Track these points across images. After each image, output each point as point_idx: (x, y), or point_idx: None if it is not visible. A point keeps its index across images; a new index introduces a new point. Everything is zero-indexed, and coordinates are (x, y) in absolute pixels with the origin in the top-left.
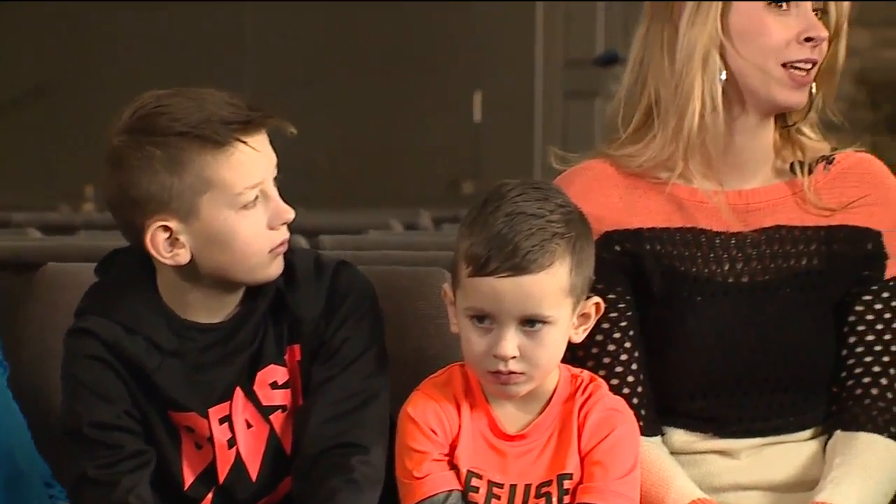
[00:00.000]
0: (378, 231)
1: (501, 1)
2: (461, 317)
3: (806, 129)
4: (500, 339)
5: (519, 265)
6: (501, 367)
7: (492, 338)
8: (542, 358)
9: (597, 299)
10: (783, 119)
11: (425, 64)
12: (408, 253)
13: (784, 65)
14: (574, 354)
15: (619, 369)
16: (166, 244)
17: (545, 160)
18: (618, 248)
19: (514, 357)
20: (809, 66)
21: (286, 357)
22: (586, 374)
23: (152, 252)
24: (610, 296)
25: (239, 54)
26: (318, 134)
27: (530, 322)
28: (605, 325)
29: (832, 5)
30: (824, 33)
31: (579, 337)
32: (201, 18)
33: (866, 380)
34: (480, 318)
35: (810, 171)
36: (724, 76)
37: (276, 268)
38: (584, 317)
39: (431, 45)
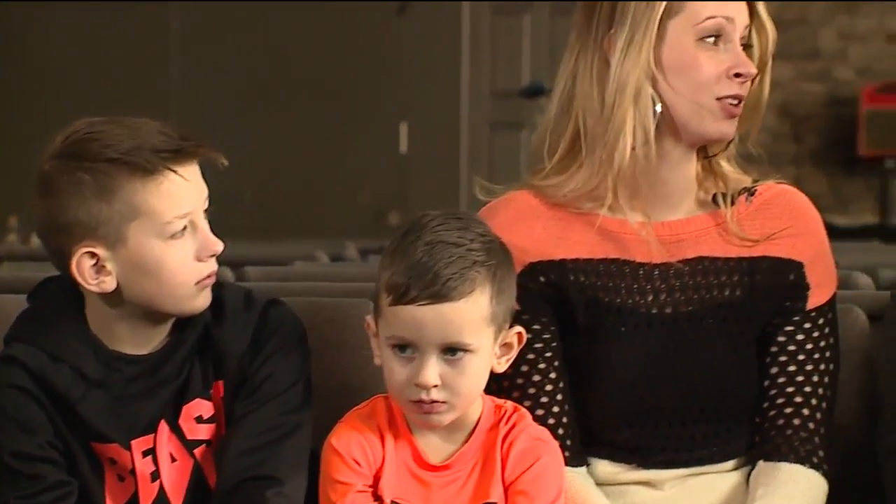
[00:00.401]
0: (304, 262)
1: (427, 32)
2: (383, 346)
3: (724, 162)
4: (422, 367)
5: (439, 293)
6: (423, 396)
7: (413, 367)
8: (463, 386)
9: (519, 329)
10: (704, 150)
11: (351, 95)
12: (333, 284)
13: (716, 99)
14: (499, 385)
15: (543, 400)
16: (92, 271)
17: (471, 191)
18: (542, 279)
19: (435, 386)
20: (736, 101)
21: (212, 391)
22: (510, 404)
23: (78, 278)
24: (535, 326)
25: (164, 85)
26: (243, 165)
27: (451, 350)
28: (530, 356)
29: (756, 41)
30: (753, 70)
31: (502, 367)
32: (127, 49)
33: (788, 410)
34: (402, 347)
35: (732, 203)
36: (659, 109)
37: (202, 300)
38: (507, 346)
39: (358, 77)
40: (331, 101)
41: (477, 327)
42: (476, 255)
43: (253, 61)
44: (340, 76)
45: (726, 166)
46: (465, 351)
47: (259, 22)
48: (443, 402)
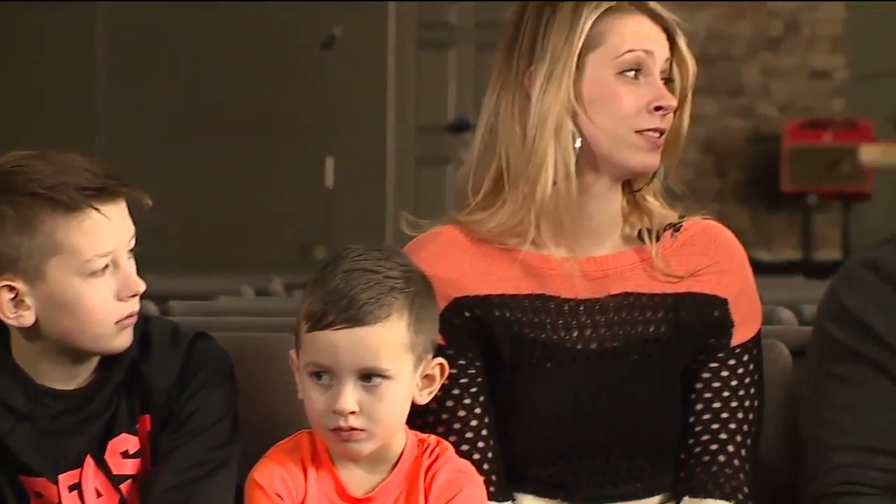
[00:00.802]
0: (229, 297)
1: (353, 66)
2: (302, 376)
3: (649, 197)
4: (339, 394)
5: (355, 317)
6: (342, 424)
7: (331, 394)
8: (382, 414)
9: (441, 360)
10: (629, 186)
11: (277, 129)
12: (258, 319)
13: (636, 132)
14: (424, 420)
15: (468, 434)
16: (11, 304)
17: (397, 226)
18: (468, 314)
19: (353, 412)
20: (657, 135)
21: (138, 426)
22: (433, 437)
23: None
24: (460, 361)
25: (90, 118)
26: (169, 199)
27: (368, 376)
28: (456, 391)
29: (677, 74)
30: (674, 103)
31: (424, 399)
32: (53, 81)
33: (714, 447)
34: (319, 374)
35: (658, 238)
36: (578, 143)
37: (123, 340)
38: (429, 378)
39: (283, 110)
40: (256, 134)
41: (394, 353)
42: (394, 281)
43: (179, 94)
44: (266, 110)
45: (652, 201)
46: (383, 377)
47: (185, 55)
48: (361, 430)
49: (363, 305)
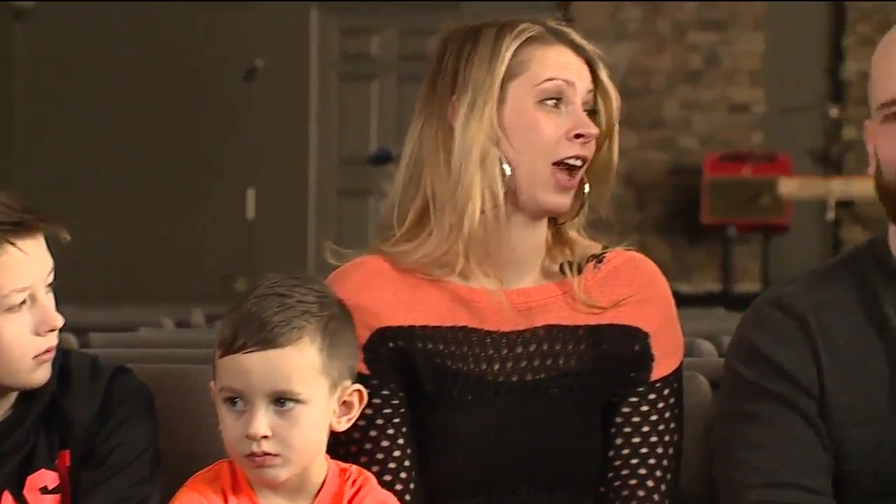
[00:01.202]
0: (149, 328)
1: (275, 98)
2: (217, 403)
3: (573, 230)
4: (252, 418)
5: (265, 339)
6: (255, 448)
7: (245, 419)
8: (296, 439)
9: (359, 387)
10: (554, 218)
11: (199, 160)
12: (178, 351)
13: (555, 163)
14: (346, 449)
15: (391, 465)
16: None
17: (319, 257)
18: (391, 344)
19: (265, 437)
20: (580, 162)
21: (57, 462)
22: (355, 468)
23: None
24: (383, 392)
25: (7, 152)
26: (89, 230)
27: (281, 401)
28: (379, 421)
29: (603, 106)
30: (594, 130)
31: (343, 426)
32: None
33: (633, 482)
34: (233, 399)
35: (580, 271)
36: (508, 171)
37: (41, 375)
38: (347, 405)
39: (205, 141)
40: (178, 165)
41: (307, 377)
42: (307, 305)
43: (99, 125)
44: (187, 141)
45: (575, 234)
46: (296, 401)
47: (106, 86)
48: (275, 455)
49: (274, 328)
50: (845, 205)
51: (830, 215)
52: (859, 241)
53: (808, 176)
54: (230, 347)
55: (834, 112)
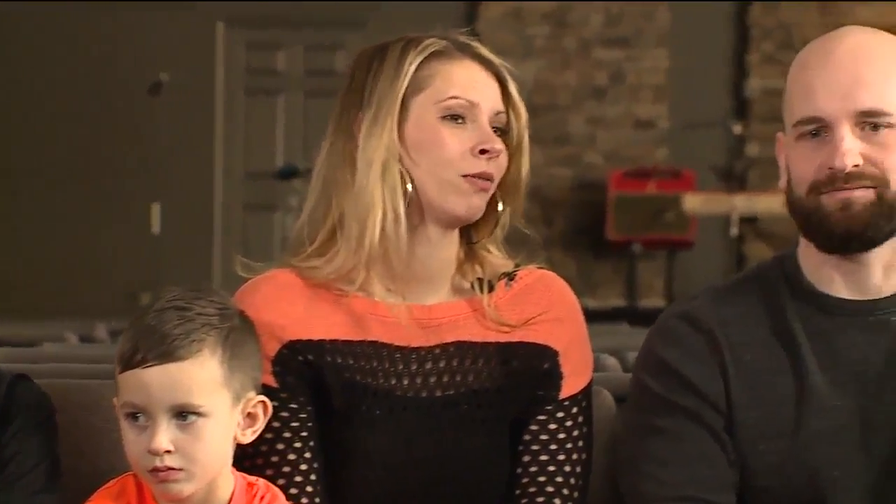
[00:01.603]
0: (52, 343)
1: (181, 112)
2: (120, 419)
3: (492, 247)
4: (154, 433)
5: (165, 352)
6: (158, 464)
7: (147, 434)
8: (199, 453)
9: (262, 398)
10: (468, 235)
11: (103, 174)
12: (82, 366)
13: (462, 177)
14: (253, 462)
15: (298, 479)
16: None
17: (224, 271)
18: (300, 358)
19: (168, 451)
20: (486, 180)
21: None
22: (262, 482)
23: None
24: (292, 405)
25: None
26: None
27: (183, 414)
28: (287, 434)
29: (513, 121)
30: (499, 146)
31: (248, 438)
32: None
33: (540, 499)
34: (135, 415)
35: (491, 288)
36: (410, 187)
37: None
38: (251, 417)
39: (110, 156)
40: (82, 179)
41: (208, 390)
42: (206, 318)
43: (3, 138)
44: (92, 154)
45: (488, 251)
46: (198, 415)
47: (11, 99)
48: (179, 470)
49: (173, 341)
50: (749, 221)
51: (734, 231)
52: (763, 257)
53: (712, 192)
54: (130, 362)
55: (737, 128)
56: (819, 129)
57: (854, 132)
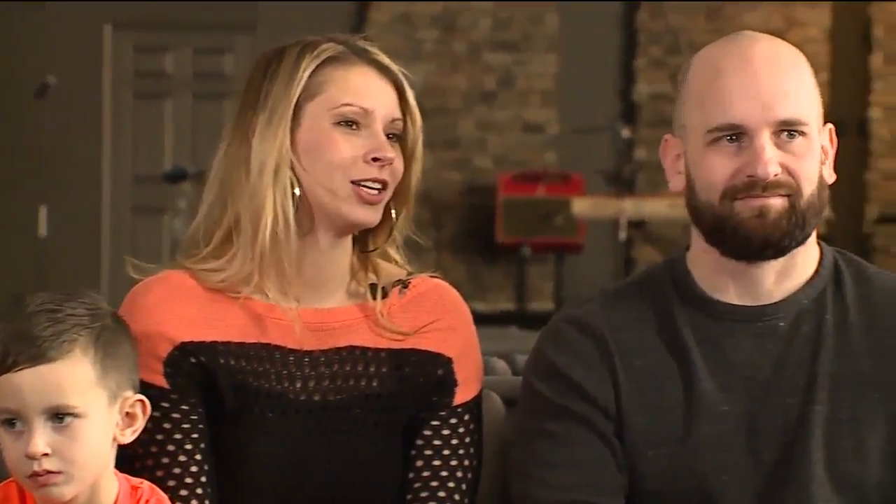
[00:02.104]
0: None
1: (68, 114)
2: None
3: (389, 253)
4: (30, 437)
5: (36, 354)
6: (36, 468)
7: (23, 440)
8: (78, 454)
9: (140, 397)
10: (363, 243)
11: None
12: None
13: (353, 182)
14: (143, 463)
15: (188, 480)
16: None
17: (113, 274)
18: (193, 359)
19: (46, 454)
20: (378, 185)
21: None
22: (147, 485)
23: None
24: (183, 406)
25: None
26: None
27: (58, 416)
28: (177, 436)
29: (410, 128)
30: (391, 154)
31: (128, 438)
32: None
33: None
34: (10, 421)
35: (385, 295)
36: (297, 192)
37: None
38: (131, 416)
39: None
40: None
41: (82, 390)
42: (77, 318)
43: None
44: None
45: (383, 258)
46: (73, 415)
47: None
48: (58, 473)
49: (44, 342)
50: (637, 224)
51: (622, 235)
52: (651, 261)
53: (601, 196)
54: (1, 367)
55: (626, 133)
56: (736, 136)
57: (771, 140)
